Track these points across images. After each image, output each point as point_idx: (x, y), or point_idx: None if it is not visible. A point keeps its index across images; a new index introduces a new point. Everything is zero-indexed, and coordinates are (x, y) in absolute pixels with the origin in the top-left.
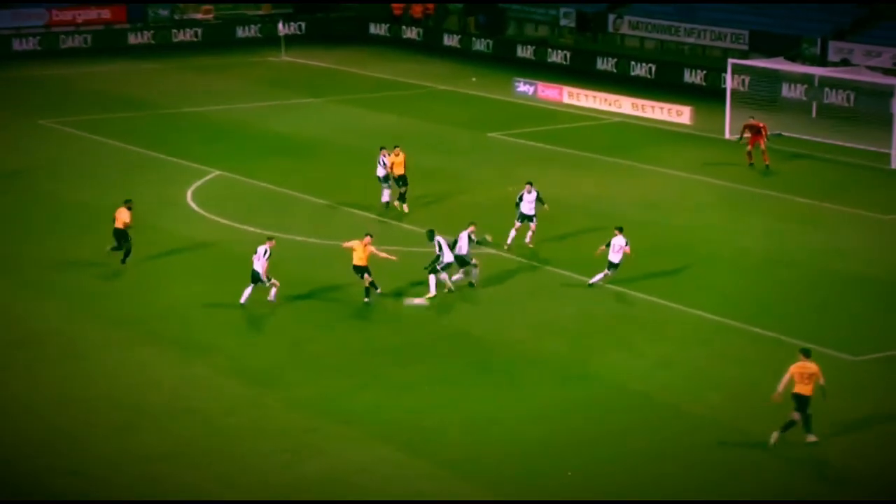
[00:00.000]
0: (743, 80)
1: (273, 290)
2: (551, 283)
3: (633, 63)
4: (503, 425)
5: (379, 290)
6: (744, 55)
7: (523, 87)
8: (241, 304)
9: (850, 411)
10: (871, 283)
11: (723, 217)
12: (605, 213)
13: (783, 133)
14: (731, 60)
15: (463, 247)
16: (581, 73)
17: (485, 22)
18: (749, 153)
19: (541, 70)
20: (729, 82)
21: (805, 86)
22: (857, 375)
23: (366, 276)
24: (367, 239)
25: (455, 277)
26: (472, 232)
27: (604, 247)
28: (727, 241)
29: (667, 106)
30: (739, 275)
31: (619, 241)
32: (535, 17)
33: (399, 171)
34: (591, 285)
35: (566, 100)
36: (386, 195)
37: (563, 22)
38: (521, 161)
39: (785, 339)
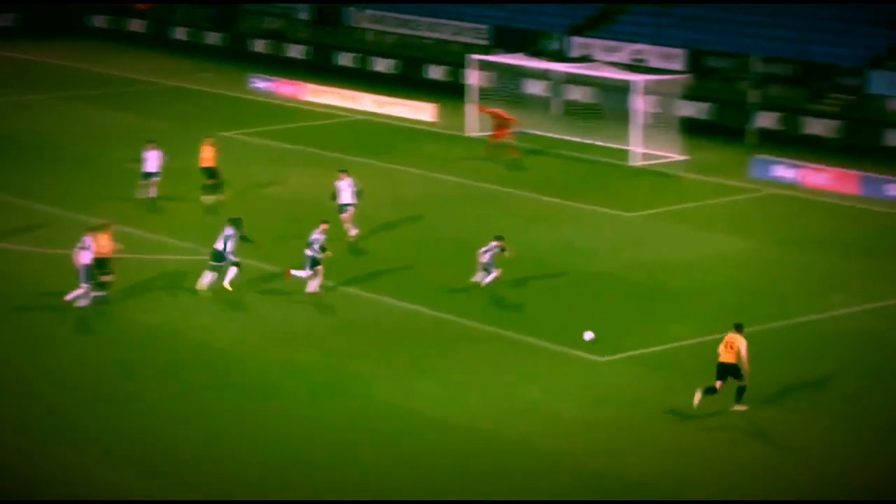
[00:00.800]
0: (486, 77)
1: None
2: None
3: (373, 58)
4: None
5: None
6: (486, 51)
7: (260, 84)
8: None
9: (595, 411)
10: (617, 281)
11: (470, 215)
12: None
13: (527, 130)
14: (472, 56)
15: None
16: (320, 69)
17: (216, 14)
18: (495, 146)
19: (278, 65)
20: (471, 78)
21: (547, 82)
22: (604, 376)
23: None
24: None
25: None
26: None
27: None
28: (475, 241)
29: (409, 103)
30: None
31: (490, 247)
32: (270, 9)
33: (209, 163)
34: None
35: (306, 97)
36: (151, 191)
37: (300, 15)
38: (259, 160)
39: (533, 342)
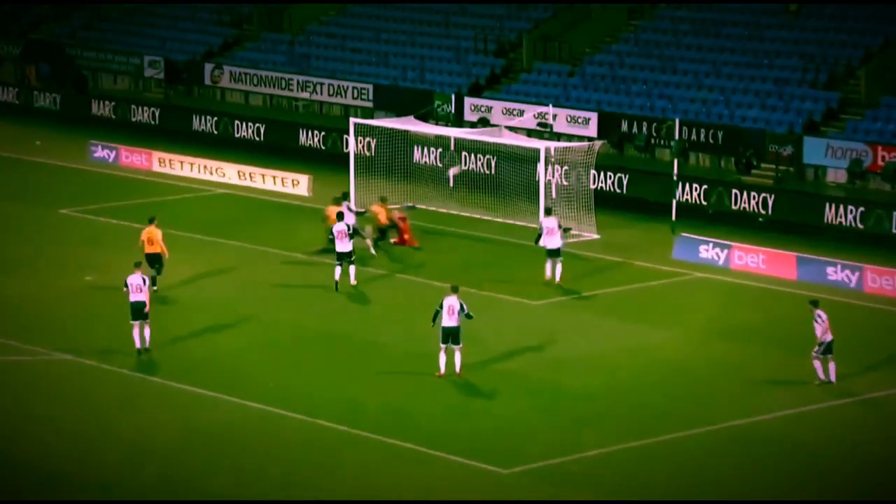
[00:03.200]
0: (368, 143)
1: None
2: None
3: (237, 122)
4: None
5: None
6: (368, 113)
7: (101, 153)
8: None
9: None
10: (519, 380)
11: (347, 307)
12: (211, 306)
13: (416, 205)
14: (352, 119)
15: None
16: (174, 135)
17: (49, 72)
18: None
19: (123, 131)
20: (352, 145)
21: (439, 149)
22: (507, 492)
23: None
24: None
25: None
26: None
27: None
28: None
29: (280, 174)
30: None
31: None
32: (113, 66)
33: (154, 248)
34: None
35: (156, 167)
36: None
37: (148, 72)
38: (102, 243)
39: (424, 451)
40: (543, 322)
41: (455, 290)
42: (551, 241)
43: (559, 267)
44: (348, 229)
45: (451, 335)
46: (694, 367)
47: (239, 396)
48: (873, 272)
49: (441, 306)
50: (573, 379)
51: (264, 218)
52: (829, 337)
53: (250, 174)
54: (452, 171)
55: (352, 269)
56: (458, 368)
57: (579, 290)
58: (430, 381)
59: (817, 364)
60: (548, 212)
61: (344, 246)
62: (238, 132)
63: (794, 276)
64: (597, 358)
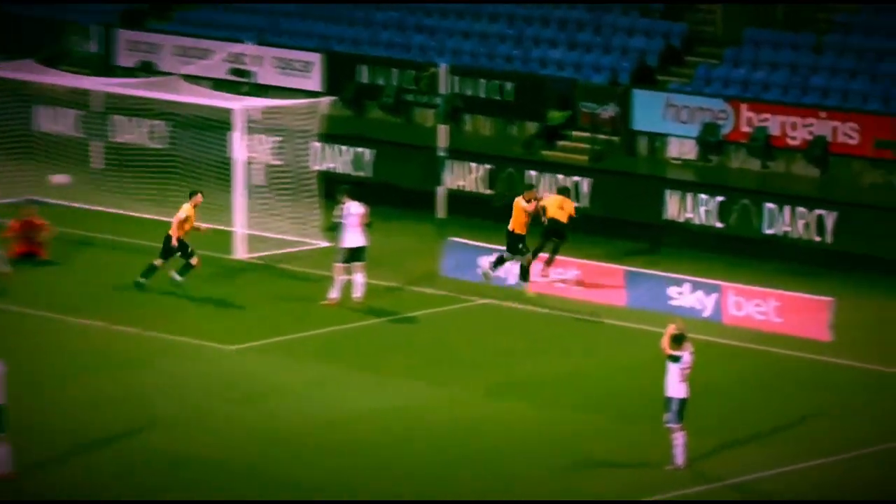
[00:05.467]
0: None
1: None
2: None
3: None
4: None
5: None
6: None
7: None
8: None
9: None
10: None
11: None
12: None
13: (39, 199)
14: None
15: None
16: None
17: None
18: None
19: None
20: None
21: (79, 112)
22: None
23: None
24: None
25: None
26: None
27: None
28: None
29: None
30: None
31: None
32: None
33: None
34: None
35: None
36: None
37: None
38: None
39: None
40: (240, 375)
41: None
42: (353, 237)
43: (361, 277)
44: None
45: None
46: (477, 432)
47: None
48: (737, 294)
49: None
50: (284, 453)
51: None
52: (681, 392)
53: None
54: (58, 179)
55: None
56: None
57: (296, 329)
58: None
59: (678, 439)
60: (347, 193)
61: None
62: None
63: (622, 300)
64: (327, 423)
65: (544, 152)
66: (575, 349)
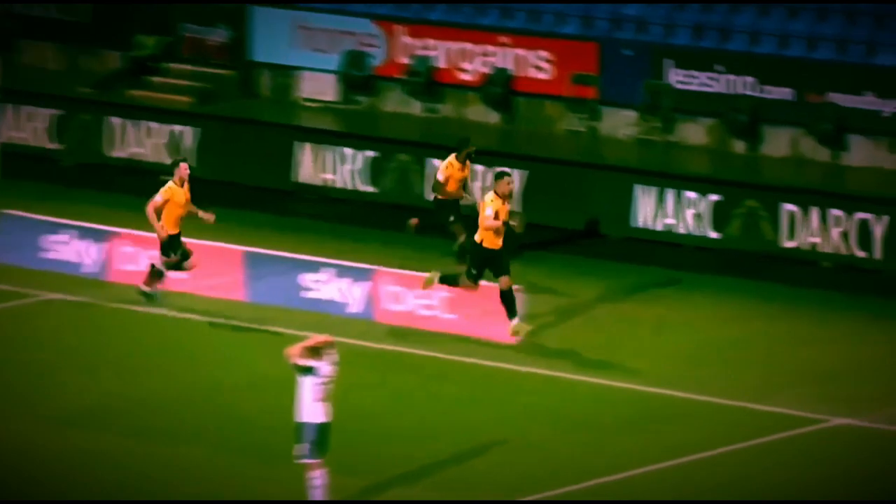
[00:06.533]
0: None
1: None
2: None
3: None
4: None
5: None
6: None
7: None
8: None
9: None
10: None
11: None
12: None
13: None
14: None
15: None
16: None
17: None
18: None
19: None
20: None
21: None
22: None
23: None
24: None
25: None
26: None
27: None
28: None
29: None
30: None
31: None
32: None
33: None
34: None
35: None
36: None
37: None
38: None
39: None
40: None
41: None
42: None
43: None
44: None
45: None
46: None
47: None
48: (395, 282)
49: None
50: None
51: None
52: (319, 416)
53: None
54: None
55: None
56: None
57: None
58: None
59: (317, 478)
60: None
61: None
62: None
63: (240, 294)
64: None
65: (131, 92)
66: (178, 363)
